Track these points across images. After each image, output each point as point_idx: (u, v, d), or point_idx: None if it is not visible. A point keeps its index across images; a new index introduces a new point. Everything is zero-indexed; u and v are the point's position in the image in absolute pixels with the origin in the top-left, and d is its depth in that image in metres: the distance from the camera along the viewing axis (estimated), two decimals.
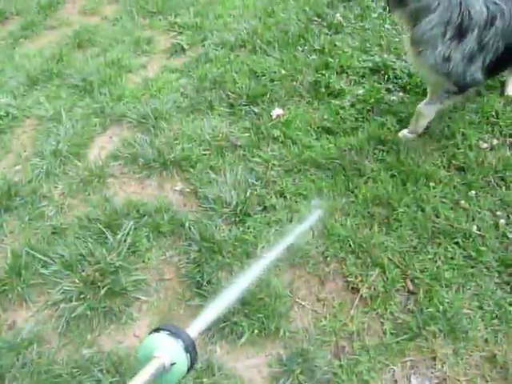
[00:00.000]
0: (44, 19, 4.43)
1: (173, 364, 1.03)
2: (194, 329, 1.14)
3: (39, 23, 4.37)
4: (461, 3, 2.02)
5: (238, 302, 2.05)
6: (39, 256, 2.34)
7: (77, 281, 2.21)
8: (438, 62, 2.17)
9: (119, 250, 2.32)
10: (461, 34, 2.06)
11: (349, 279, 2.16)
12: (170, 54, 3.72)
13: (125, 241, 2.36)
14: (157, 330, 1.08)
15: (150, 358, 1.02)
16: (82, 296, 2.17)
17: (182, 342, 1.05)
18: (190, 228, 2.39)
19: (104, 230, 2.41)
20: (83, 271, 2.25)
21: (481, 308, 2.02)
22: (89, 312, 2.13)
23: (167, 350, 1.03)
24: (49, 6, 4.55)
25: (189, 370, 1.08)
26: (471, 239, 2.22)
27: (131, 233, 2.39)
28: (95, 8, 4.48)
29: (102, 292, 2.16)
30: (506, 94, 2.85)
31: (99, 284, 2.19)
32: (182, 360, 1.05)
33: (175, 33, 3.92)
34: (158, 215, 2.47)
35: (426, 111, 2.55)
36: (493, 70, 2.30)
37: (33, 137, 3.14)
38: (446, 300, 2.02)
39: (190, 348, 1.06)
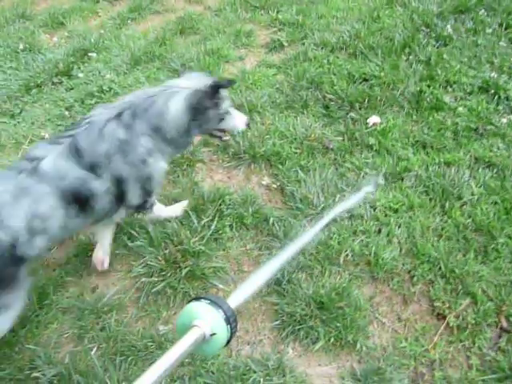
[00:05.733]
0: (151, 3, 4.61)
1: (213, 334, 0.98)
2: (235, 300, 1.08)
3: (146, 7, 4.55)
4: None
5: (315, 306, 2.01)
6: (126, 228, 2.42)
7: (159, 258, 2.26)
8: None
9: (202, 235, 2.35)
10: None
11: (435, 304, 2.04)
12: (269, 49, 3.73)
13: (209, 226, 2.39)
14: (197, 298, 1.04)
15: (188, 327, 0.97)
16: (162, 273, 2.22)
17: (222, 313, 1.00)
18: (273, 224, 2.38)
19: (190, 212, 2.45)
20: (166, 250, 2.30)
21: None
22: (168, 289, 2.17)
23: (208, 320, 0.98)
24: None
25: (227, 343, 1.02)
26: None
27: (216, 220, 2.42)
28: None
29: (183, 273, 2.19)
30: None
31: (180, 265, 2.23)
32: (223, 331, 0.99)
33: (275, 29, 3.94)
34: (243, 207, 2.48)
35: None
36: None
37: None
38: None
39: (231, 319, 1.01)
